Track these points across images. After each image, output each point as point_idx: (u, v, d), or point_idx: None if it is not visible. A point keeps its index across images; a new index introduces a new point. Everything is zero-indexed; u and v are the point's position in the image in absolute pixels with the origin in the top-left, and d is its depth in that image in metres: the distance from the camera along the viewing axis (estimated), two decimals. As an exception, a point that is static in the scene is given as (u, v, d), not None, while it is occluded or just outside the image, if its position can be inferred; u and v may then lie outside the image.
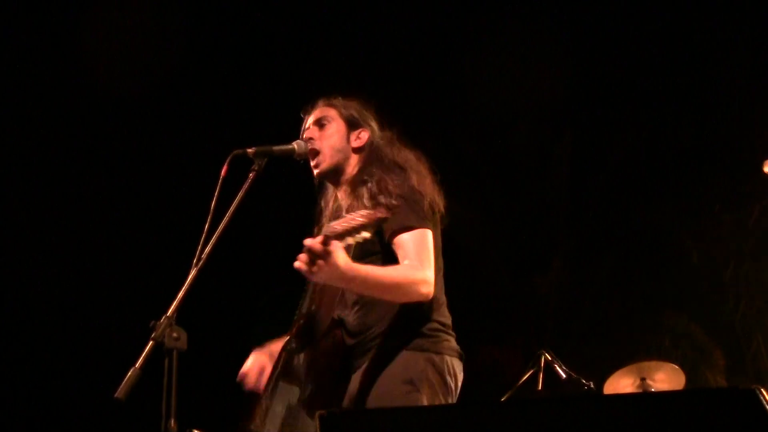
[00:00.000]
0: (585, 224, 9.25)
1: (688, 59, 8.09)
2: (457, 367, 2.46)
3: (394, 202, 2.44)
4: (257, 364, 2.71)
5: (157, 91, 7.29)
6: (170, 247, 5.31)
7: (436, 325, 2.46)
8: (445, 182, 2.69)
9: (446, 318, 2.52)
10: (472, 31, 8.15)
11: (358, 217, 2.14)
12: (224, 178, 2.35)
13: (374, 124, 2.76)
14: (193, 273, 2.10)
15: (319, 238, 2.16)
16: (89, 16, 6.87)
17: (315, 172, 2.68)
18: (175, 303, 2.01)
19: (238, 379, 2.71)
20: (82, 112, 7.45)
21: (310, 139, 2.67)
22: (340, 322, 2.53)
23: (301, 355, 2.46)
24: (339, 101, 2.76)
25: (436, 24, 8.14)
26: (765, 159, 6.62)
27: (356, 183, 2.57)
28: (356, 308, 2.52)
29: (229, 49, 7.55)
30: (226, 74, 7.64)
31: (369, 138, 2.69)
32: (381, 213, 2.20)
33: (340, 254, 2.19)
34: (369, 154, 2.64)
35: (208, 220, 2.22)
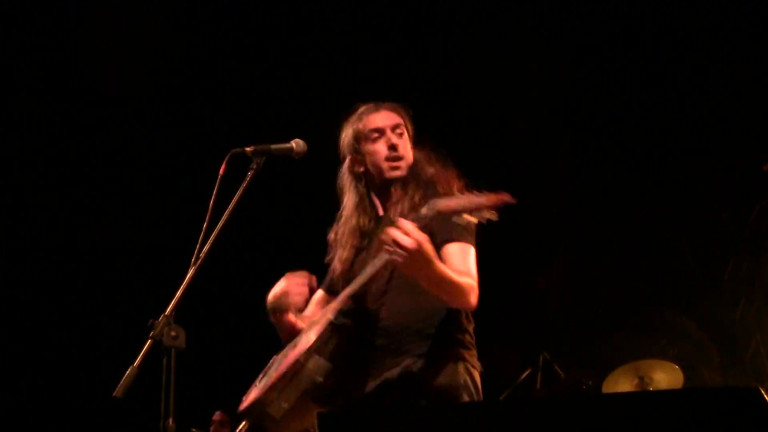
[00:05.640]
0: (585, 224, 9.23)
1: (688, 58, 8.07)
2: (479, 381, 2.52)
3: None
4: (295, 285, 2.61)
5: (155, 89, 7.27)
6: (169, 245, 5.30)
7: (469, 338, 2.51)
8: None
9: (473, 332, 2.58)
10: (471, 30, 8.14)
11: (477, 197, 2.07)
12: (222, 177, 2.36)
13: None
14: (191, 272, 2.11)
15: (410, 222, 2.12)
16: (88, 13, 6.87)
17: (391, 173, 2.69)
18: (173, 302, 2.02)
19: (269, 303, 2.60)
20: (80, 110, 7.44)
21: (394, 145, 2.71)
22: (364, 318, 2.51)
23: (334, 337, 2.41)
24: (407, 112, 2.85)
25: (434, 23, 8.13)
26: (765, 159, 6.64)
27: (402, 193, 2.59)
28: (384, 306, 2.51)
29: (228, 47, 7.53)
30: (225, 73, 7.62)
31: (415, 156, 2.78)
32: (507, 197, 2.14)
33: (427, 243, 2.20)
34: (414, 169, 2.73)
35: (207, 218, 2.23)
